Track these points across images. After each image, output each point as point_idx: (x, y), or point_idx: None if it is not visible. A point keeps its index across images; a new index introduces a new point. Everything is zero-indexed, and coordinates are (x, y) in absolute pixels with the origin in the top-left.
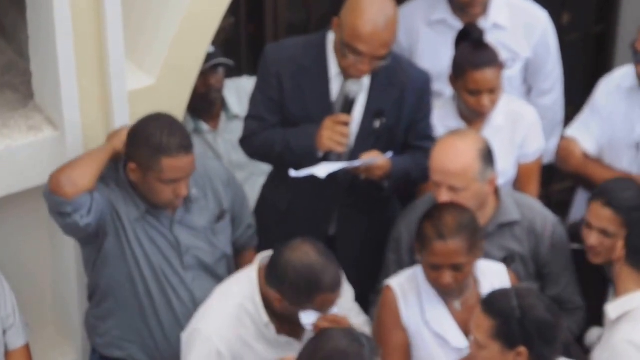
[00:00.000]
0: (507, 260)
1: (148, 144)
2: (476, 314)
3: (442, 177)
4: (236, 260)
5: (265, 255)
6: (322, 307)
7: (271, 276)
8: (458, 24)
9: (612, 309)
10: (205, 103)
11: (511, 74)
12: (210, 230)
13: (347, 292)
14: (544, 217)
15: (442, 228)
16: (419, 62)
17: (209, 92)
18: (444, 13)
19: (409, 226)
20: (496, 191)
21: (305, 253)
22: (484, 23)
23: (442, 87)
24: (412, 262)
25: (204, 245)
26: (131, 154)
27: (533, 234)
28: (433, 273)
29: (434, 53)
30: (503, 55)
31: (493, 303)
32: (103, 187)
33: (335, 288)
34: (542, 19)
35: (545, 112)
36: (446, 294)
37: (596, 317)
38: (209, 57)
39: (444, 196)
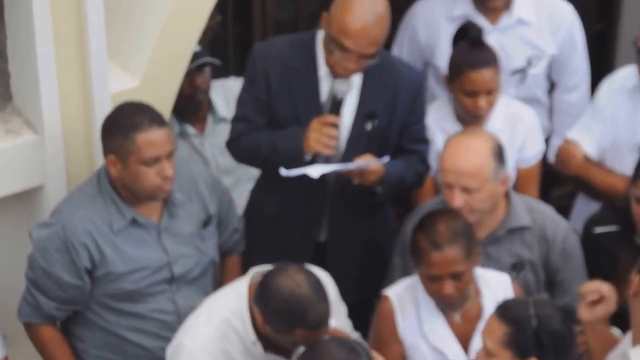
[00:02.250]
0: (517, 266)
1: (119, 128)
2: (489, 320)
3: (455, 178)
4: (221, 265)
5: (259, 270)
6: (302, 342)
7: (258, 296)
8: (481, 20)
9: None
10: (191, 105)
11: (536, 72)
12: (197, 236)
13: (339, 309)
14: (556, 223)
15: (436, 237)
16: (439, 60)
17: (195, 94)
18: (466, 8)
19: None
20: (507, 194)
21: (297, 284)
22: (508, 19)
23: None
24: None
25: (191, 253)
26: (106, 147)
27: (544, 240)
28: (433, 285)
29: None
30: (528, 52)
31: (509, 309)
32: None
33: (319, 327)
34: (568, 12)
35: (571, 109)
36: (447, 305)
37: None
38: (195, 56)
39: (458, 199)
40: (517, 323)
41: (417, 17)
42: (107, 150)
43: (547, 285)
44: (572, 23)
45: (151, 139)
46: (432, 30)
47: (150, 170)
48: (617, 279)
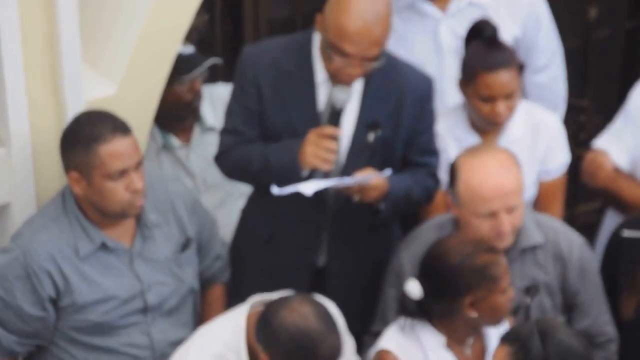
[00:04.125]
0: (531, 290)
1: (79, 141)
2: (495, 350)
3: (502, 201)
4: (201, 297)
5: (258, 300)
6: None
7: (261, 333)
8: (429, 8)
9: None
10: (189, 113)
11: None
12: (174, 261)
13: (347, 344)
14: (570, 239)
15: (493, 247)
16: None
17: (194, 100)
18: None
19: (412, 257)
20: None
21: (304, 317)
22: (457, 3)
23: None
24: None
25: (167, 280)
26: (67, 163)
27: (559, 260)
28: (505, 297)
29: (406, 43)
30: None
31: (512, 331)
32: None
33: None
34: None
35: (542, 90)
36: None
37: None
38: (192, 59)
39: (507, 223)
40: (520, 341)
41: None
42: (68, 167)
43: (564, 308)
44: (532, 2)
45: (115, 150)
46: None
47: (117, 184)
48: (634, 289)
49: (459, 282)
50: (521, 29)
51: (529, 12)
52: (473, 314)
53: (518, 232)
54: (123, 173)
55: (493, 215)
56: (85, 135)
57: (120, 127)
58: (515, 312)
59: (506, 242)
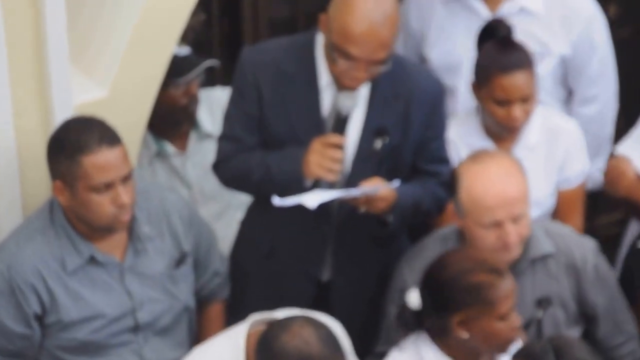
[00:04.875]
0: (543, 303)
1: (63, 150)
2: None
3: (506, 211)
4: (198, 315)
5: (258, 319)
6: None
7: (261, 358)
8: (478, 5)
9: None
10: (184, 118)
11: (540, 72)
12: (168, 277)
13: None
14: (582, 246)
15: (496, 267)
16: (429, 50)
17: (190, 104)
18: None
19: (415, 273)
20: None
21: (306, 342)
22: (509, 6)
23: (454, 82)
24: None
25: (161, 297)
26: (53, 171)
27: (572, 269)
28: (505, 325)
29: (447, 38)
30: (530, 47)
31: (524, 348)
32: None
33: None
34: (587, 8)
35: (589, 124)
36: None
37: None
38: (188, 61)
39: (513, 233)
40: (533, 357)
41: (410, 1)
42: (53, 175)
43: (578, 319)
44: (590, 20)
45: (100, 161)
46: (425, 14)
47: (102, 198)
48: None
49: (449, 298)
50: (572, 48)
51: (584, 31)
52: (463, 335)
53: (527, 242)
54: (109, 186)
55: (498, 225)
56: (70, 143)
57: (107, 138)
58: (526, 326)
59: (514, 253)
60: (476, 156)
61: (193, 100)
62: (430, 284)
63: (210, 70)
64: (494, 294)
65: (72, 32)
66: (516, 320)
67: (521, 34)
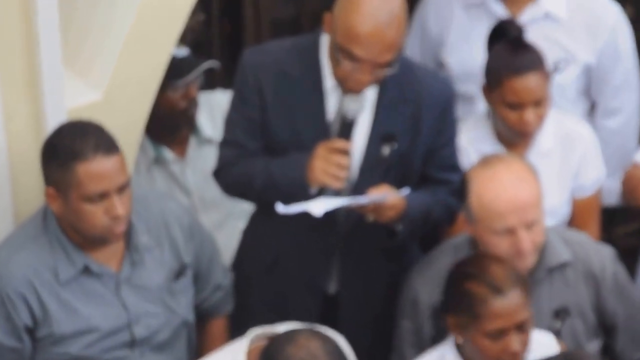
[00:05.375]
0: (560, 314)
1: (57, 155)
2: None
3: (519, 216)
4: (199, 331)
5: (260, 333)
6: None
7: None
8: (499, 10)
9: None
10: (183, 122)
11: (563, 81)
12: (166, 290)
13: None
14: (600, 254)
15: (496, 282)
16: (447, 55)
17: (189, 108)
18: None
19: (427, 284)
20: None
21: (312, 354)
22: (533, 11)
23: (473, 89)
24: (436, 331)
25: (158, 310)
26: (46, 176)
27: (591, 278)
28: (495, 345)
29: (466, 44)
30: (554, 54)
31: None
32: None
33: None
34: (613, 15)
35: (612, 137)
36: None
37: None
38: (186, 62)
39: (527, 240)
40: None
41: (428, 3)
42: (46, 181)
43: (597, 330)
44: (615, 28)
45: (95, 170)
46: (444, 19)
47: (96, 208)
48: None
49: (447, 296)
50: (596, 57)
51: (609, 39)
52: (459, 339)
53: (543, 250)
54: (103, 196)
55: (510, 231)
56: (64, 150)
57: (103, 145)
58: None
59: (528, 261)
60: (487, 160)
61: (192, 104)
62: (447, 277)
63: (210, 73)
64: (484, 309)
65: (65, 31)
66: (514, 345)
67: (545, 41)
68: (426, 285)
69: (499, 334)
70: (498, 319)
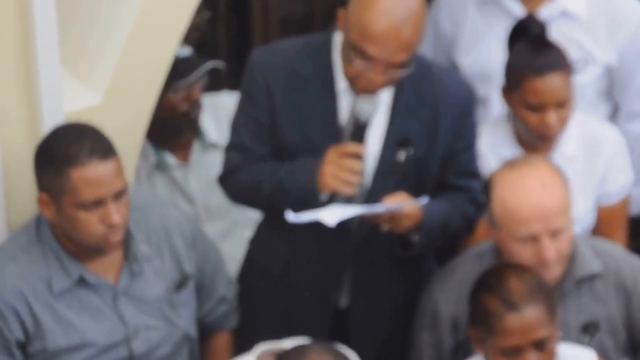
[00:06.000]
0: (589, 328)
1: (51, 159)
2: None
3: (543, 224)
4: (202, 346)
5: (267, 350)
6: None
7: None
8: (515, 7)
9: None
10: (186, 125)
11: (582, 82)
12: (166, 302)
13: None
14: (633, 265)
15: (510, 296)
16: (461, 56)
17: (191, 110)
18: None
19: (448, 295)
20: None
21: None
22: (550, 8)
23: (488, 91)
24: (457, 345)
25: (158, 324)
26: (38, 182)
27: (622, 291)
28: None
29: (480, 44)
30: (572, 54)
31: None
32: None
33: None
34: (635, 13)
35: (635, 142)
36: None
37: None
38: (188, 63)
39: (550, 248)
40: None
41: (442, 3)
42: (39, 187)
43: (628, 348)
44: (639, 26)
45: (90, 176)
46: (458, 16)
47: (91, 215)
48: None
49: (469, 306)
50: (618, 57)
51: (632, 38)
52: (480, 351)
53: (572, 260)
54: (98, 203)
55: (534, 239)
56: (58, 154)
57: (100, 149)
58: None
59: (553, 271)
60: (512, 163)
61: (195, 106)
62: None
63: (215, 73)
64: (497, 324)
65: (63, 32)
66: None
67: (562, 40)
68: (447, 295)
69: (514, 352)
70: (512, 336)
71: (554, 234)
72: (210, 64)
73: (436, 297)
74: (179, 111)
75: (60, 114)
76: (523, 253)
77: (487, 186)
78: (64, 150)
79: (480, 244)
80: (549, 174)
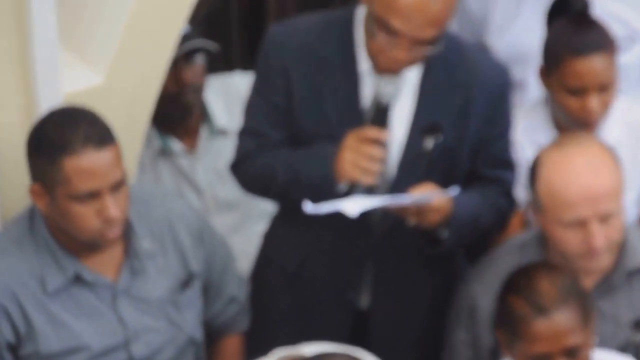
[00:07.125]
0: None
1: (43, 147)
2: None
3: (591, 207)
4: (211, 351)
5: (283, 356)
6: None
7: None
8: None
9: None
10: (176, 109)
11: (626, 62)
12: (170, 303)
13: None
14: None
15: (540, 299)
16: (493, 37)
17: (181, 93)
18: None
19: (487, 289)
20: None
21: None
22: None
23: (525, 75)
24: (496, 343)
25: (160, 326)
26: (31, 171)
27: None
28: None
29: (514, 23)
30: (615, 31)
31: None
32: None
33: None
34: None
35: None
36: None
37: None
38: (183, 40)
39: (600, 235)
40: None
41: None
42: (32, 176)
43: None
44: None
45: (84, 165)
46: None
47: (86, 208)
48: None
49: (496, 309)
50: None
51: None
52: (508, 355)
53: (622, 251)
54: (94, 195)
55: (581, 224)
56: (50, 141)
57: (95, 137)
58: (623, 351)
59: (601, 261)
60: (561, 142)
61: (187, 90)
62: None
63: (226, 55)
64: (525, 329)
65: (61, 8)
66: None
67: (604, 16)
68: (486, 289)
69: (543, 359)
70: (541, 342)
71: (604, 218)
72: (193, 45)
73: (474, 291)
74: (167, 94)
75: (58, 96)
76: (570, 240)
77: (532, 167)
78: (57, 137)
79: (523, 234)
80: (599, 154)
